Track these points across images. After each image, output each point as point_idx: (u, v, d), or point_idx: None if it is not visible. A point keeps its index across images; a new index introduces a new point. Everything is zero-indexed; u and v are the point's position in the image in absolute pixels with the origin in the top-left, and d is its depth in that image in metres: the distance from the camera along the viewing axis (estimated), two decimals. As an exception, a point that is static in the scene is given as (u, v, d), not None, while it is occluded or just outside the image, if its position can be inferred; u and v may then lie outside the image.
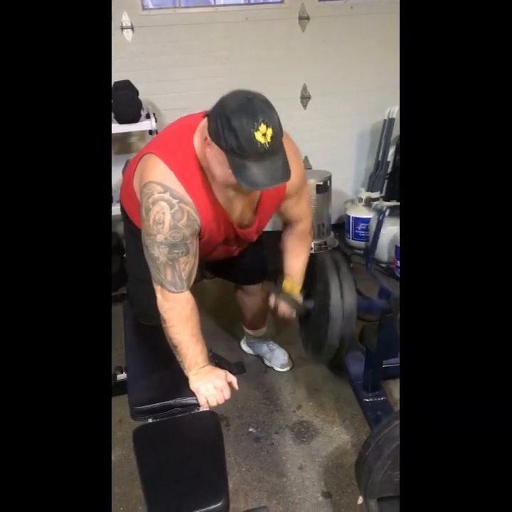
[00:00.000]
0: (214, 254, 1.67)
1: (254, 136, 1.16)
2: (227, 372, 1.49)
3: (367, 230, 3.19)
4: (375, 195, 3.17)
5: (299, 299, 1.84)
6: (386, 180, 3.16)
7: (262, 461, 1.79)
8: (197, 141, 1.37)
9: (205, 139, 1.28)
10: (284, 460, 1.79)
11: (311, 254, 1.86)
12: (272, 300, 1.86)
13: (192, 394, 1.43)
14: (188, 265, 1.42)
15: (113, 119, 2.69)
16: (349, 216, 3.26)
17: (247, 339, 2.34)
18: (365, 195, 3.23)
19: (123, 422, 2.00)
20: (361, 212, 3.22)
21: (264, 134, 1.17)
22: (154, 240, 1.36)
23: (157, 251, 1.37)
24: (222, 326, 2.58)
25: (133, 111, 2.58)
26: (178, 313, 1.42)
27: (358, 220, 3.22)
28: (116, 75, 2.69)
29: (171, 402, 1.42)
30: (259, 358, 2.32)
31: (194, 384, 1.43)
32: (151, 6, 2.97)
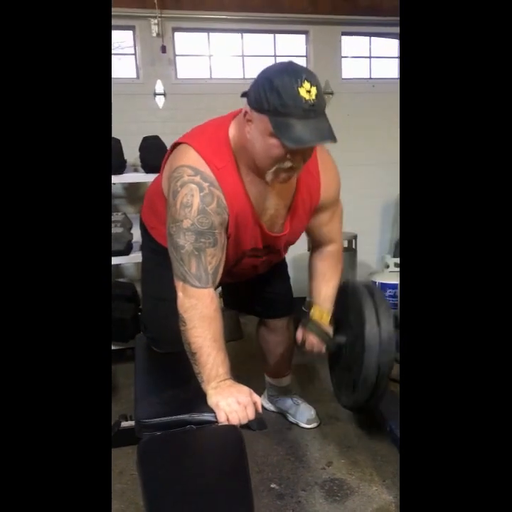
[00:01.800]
0: (238, 269, 1.53)
1: (298, 92, 1.09)
2: (252, 391, 1.27)
3: (395, 296, 3.02)
4: (402, 261, 3.05)
5: (329, 330, 1.65)
6: (413, 248, 3.07)
7: (287, 521, 1.48)
8: (234, 129, 1.30)
9: (245, 114, 1.20)
10: (314, 520, 1.48)
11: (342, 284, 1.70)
12: (300, 333, 1.67)
13: (210, 410, 1.21)
14: (215, 259, 1.28)
15: (139, 168, 2.71)
16: (375, 282, 3.11)
17: (268, 393, 2.09)
18: (392, 261, 3.11)
19: (123, 474, 1.72)
20: (388, 278, 3.07)
21: (309, 91, 1.10)
22: (180, 227, 1.24)
23: (183, 239, 1.24)
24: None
25: (161, 159, 2.58)
26: (201, 312, 1.25)
27: (385, 286, 3.05)
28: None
29: (186, 416, 1.20)
30: (282, 414, 2.05)
31: (213, 398, 1.22)
32: (184, 77, 3.14)
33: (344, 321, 1.70)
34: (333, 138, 1.14)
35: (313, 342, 1.63)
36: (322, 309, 1.63)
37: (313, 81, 1.11)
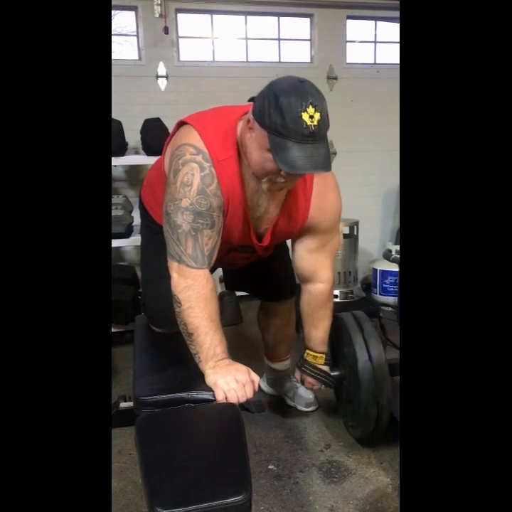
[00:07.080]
0: (230, 258, 1.53)
1: (300, 116, 1.08)
2: (250, 369, 1.26)
3: (395, 283, 3.01)
4: (404, 248, 3.04)
5: (326, 368, 1.67)
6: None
7: (284, 500, 1.48)
8: (240, 126, 1.28)
9: (248, 121, 1.19)
10: (312, 500, 1.48)
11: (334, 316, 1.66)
12: (298, 373, 1.71)
13: (208, 388, 1.21)
14: (211, 240, 1.27)
15: (140, 150, 2.70)
16: (376, 269, 3.11)
17: (267, 376, 2.09)
18: (393, 248, 3.10)
19: (122, 453, 1.73)
20: (389, 265, 3.05)
21: (312, 117, 1.09)
22: (179, 206, 1.23)
23: (180, 218, 1.23)
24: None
25: (163, 141, 2.56)
26: (197, 292, 1.24)
27: (385, 273, 3.05)
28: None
29: (184, 395, 1.20)
30: (281, 397, 2.05)
31: (211, 377, 1.22)
32: (187, 59, 3.10)
33: (340, 353, 1.73)
34: (327, 167, 1.14)
35: (312, 382, 1.67)
36: (315, 353, 1.64)
37: (319, 106, 1.10)
